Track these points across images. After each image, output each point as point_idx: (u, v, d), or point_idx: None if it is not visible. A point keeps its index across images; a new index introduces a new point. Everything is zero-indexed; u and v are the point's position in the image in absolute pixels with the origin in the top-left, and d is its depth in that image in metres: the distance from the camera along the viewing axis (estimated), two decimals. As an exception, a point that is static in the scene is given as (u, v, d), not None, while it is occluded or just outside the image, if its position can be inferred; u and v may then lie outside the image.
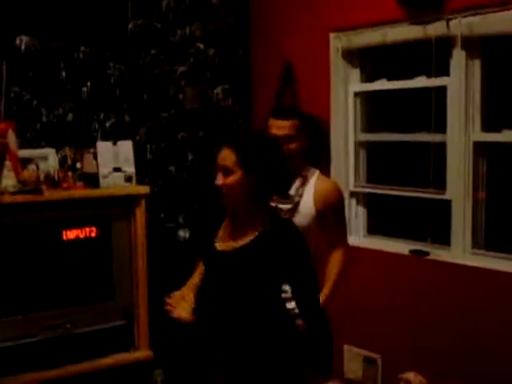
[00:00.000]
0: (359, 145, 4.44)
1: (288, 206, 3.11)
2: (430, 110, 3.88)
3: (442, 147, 3.87)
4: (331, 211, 3.21)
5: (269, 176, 2.59)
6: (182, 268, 4.41)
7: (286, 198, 3.04)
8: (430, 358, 3.89)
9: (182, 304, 2.84)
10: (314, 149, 4.38)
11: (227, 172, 2.57)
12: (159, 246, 4.55)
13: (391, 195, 4.28)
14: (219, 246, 2.71)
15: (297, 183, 3.13)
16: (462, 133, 3.75)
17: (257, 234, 2.59)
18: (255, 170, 2.56)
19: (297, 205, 3.14)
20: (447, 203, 3.87)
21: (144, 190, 4.17)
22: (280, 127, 3.09)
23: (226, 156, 2.58)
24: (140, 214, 4.13)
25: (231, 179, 2.57)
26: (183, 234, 4.76)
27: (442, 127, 3.86)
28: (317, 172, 3.29)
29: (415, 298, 3.98)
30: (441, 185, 3.89)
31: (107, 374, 4.05)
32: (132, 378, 4.20)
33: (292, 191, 3.08)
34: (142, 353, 4.18)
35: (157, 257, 4.44)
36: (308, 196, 3.17)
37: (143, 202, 4.14)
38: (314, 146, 4.21)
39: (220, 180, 2.59)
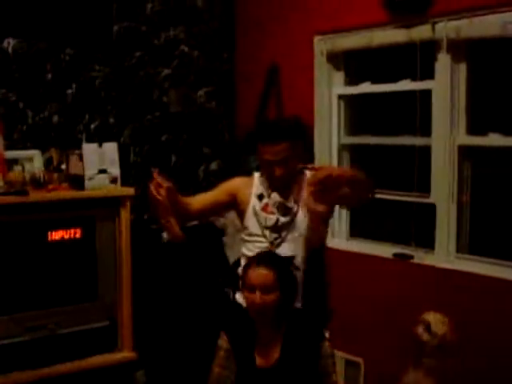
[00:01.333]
0: (343, 148, 4.38)
1: (287, 219, 3.00)
2: (414, 113, 3.82)
3: (426, 150, 3.81)
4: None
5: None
6: (166, 269, 4.40)
7: (287, 210, 2.97)
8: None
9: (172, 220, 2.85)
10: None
11: (266, 290, 2.70)
12: (143, 247, 4.45)
13: (375, 198, 4.20)
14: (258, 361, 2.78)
15: (294, 193, 3.01)
16: (446, 136, 3.69)
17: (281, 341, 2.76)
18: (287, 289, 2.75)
19: (294, 215, 3.01)
20: (431, 207, 3.80)
21: (129, 191, 4.09)
22: (273, 153, 2.89)
23: (266, 276, 2.72)
24: (125, 215, 4.06)
25: (271, 298, 2.72)
26: (167, 235, 4.66)
27: (426, 130, 3.80)
28: (306, 175, 3.13)
29: (399, 301, 3.91)
30: (425, 188, 3.82)
31: (91, 374, 3.95)
32: (115, 379, 4.11)
33: (290, 203, 2.99)
34: (126, 354, 4.10)
35: (141, 258, 4.34)
36: (302, 203, 3.01)
37: (128, 204, 4.07)
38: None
39: (258, 299, 2.71)
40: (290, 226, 2.99)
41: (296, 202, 3.00)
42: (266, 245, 3.00)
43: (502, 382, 3.45)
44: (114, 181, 4.08)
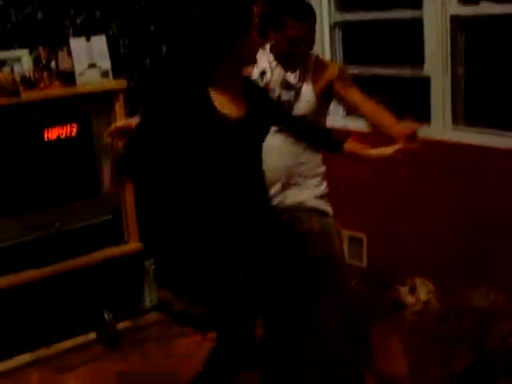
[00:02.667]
0: (334, 25, 4.26)
1: (290, 96, 2.96)
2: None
3: (418, 23, 3.70)
4: (335, 81, 2.99)
5: None
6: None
7: (289, 87, 2.92)
8: (413, 233, 3.85)
9: None
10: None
11: None
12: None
13: (369, 75, 4.12)
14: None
15: (297, 71, 2.95)
16: (438, 6, 3.57)
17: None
18: None
19: (298, 92, 2.96)
20: (426, 81, 3.72)
21: (121, 84, 4.02)
22: (303, 29, 2.83)
23: None
24: (119, 108, 3.99)
25: None
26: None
27: (417, 2, 3.68)
28: (314, 55, 3.08)
29: (397, 176, 3.89)
30: (419, 62, 3.74)
31: (101, 267, 4.03)
32: (125, 270, 4.21)
33: (292, 79, 2.94)
34: (132, 245, 4.14)
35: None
36: (307, 81, 2.98)
37: (121, 97, 3.99)
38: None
39: None
40: (293, 103, 2.95)
41: (301, 79, 2.96)
42: None
43: (492, 246, 3.49)
44: (105, 74, 4.01)
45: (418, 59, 3.74)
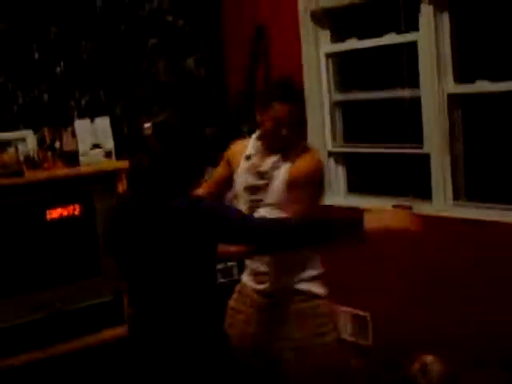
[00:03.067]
0: (334, 105, 4.29)
1: (261, 182, 2.91)
2: (402, 65, 3.74)
3: (416, 102, 3.73)
4: (297, 184, 2.86)
5: None
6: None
7: (261, 174, 2.89)
8: (418, 309, 3.79)
9: None
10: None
11: None
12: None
13: (370, 153, 4.15)
14: None
15: (273, 159, 2.90)
16: (435, 86, 3.61)
17: None
18: None
19: (269, 180, 2.91)
20: (426, 157, 3.73)
21: (124, 164, 3.94)
22: (285, 111, 2.82)
23: None
24: (122, 188, 3.98)
25: None
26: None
27: (415, 82, 3.72)
28: (303, 144, 3.05)
29: (400, 252, 3.86)
30: (418, 139, 3.75)
31: (101, 348, 3.96)
32: (124, 352, 4.08)
33: (265, 167, 2.90)
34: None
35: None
36: (284, 171, 2.90)
37: (124, 177, 3.96)
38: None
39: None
40: (264, 190, 2.91)
41: (280, 163, 2.91)
42: (247, 206, 2.94)
43: (498, 326, 3.41)
44: (108, 155, 4.07)
45: (417, 137, 3.75)
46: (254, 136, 3.03)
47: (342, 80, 4.28)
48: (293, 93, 2.91)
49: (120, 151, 4.19)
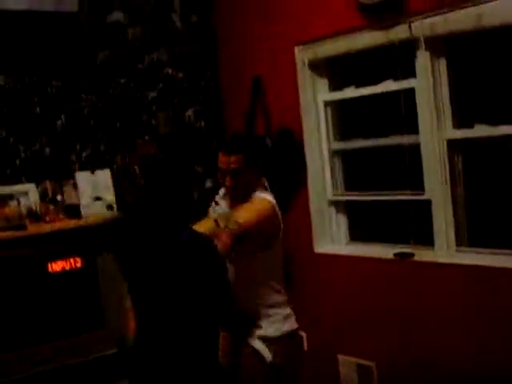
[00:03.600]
0: (334, 153, 4.29)
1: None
2: (400, 112, 3.75)
3: (416, 148, 3.73)
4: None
5: None
6: None
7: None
8: (424, 359, 3.72)
9: None
10: (292, 165, 4.31)
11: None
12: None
13: (370, 201, 4.13)
14: None
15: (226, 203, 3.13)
16: (434, 132, 3.60)
17: None
18: None
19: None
20: (427, 203, 3.71)
21: (125, 216, 4.01)
22: (225, 162, 2.98)
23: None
24: (124, 240, 3.97)
25: None
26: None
27: (414, 128, 3.71)
28: (257, 194, 3.06)
29: (404, 301, 3.81)
30: (419, 186, 3.73)
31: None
32: None
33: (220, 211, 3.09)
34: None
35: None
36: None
37: (126, 229, 3.98)
38: (293, 161, 4.14)
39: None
40: None
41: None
42: None
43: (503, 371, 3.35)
44: (110, 207, 4.06)
45: (417, 183, 3.74)
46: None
47: (340, 128, 4.29)
48: (233, 144, 3.05)
49: (121, 203, 4.18)
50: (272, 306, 3.05)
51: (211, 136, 4.86)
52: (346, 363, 4.16)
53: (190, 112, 4.79)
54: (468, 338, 3.51)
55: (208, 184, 4.84)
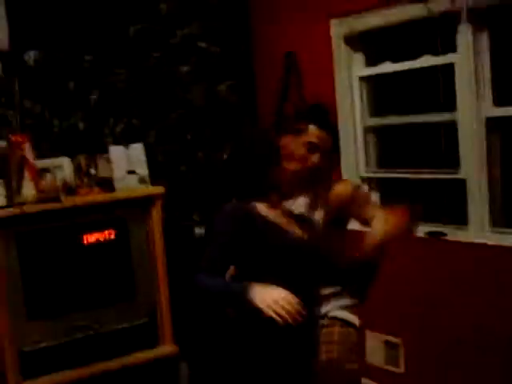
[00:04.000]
0: (368, 129, 4.22)
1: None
2: (438, 88, 3.67)
3: (453, 126, 3.63)
4: (349, 204, 2.74)
5: None
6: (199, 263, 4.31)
7: (300, 219, 2.66)
8: (451, 338, 3.69)
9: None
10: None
11: None
12: (176, 243, 4.38)
13: (404, 179, 4.05)
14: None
15: (304, 199, 2.76)
16: (473, 109, 3.49)
17: None
18: None
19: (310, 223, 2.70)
20: (462, 182, 3.63)
21: (158, 190, 4.05)
22: (321, 138, 2.71)
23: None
24: (156, 213, 4.02)
25: None
26: (199, 230, 4.58)
27: (451, 105, 3.61)
28: (331, 181, 2.88)
29: (435, 279, 3.76)
30: (454, 164, 3.65)
31: (135, 370, 3.96)
32: (159, 373, 4.11)
33: (299, 209, 2.71)
34: (167, 348, 4.10)
35: (175, 254, 4.28)
36: (319, 209, 2.77)
37: (158, 202, 4.02)
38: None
39: None
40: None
41: (313, 207, 2.76)
42: None
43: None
44: (142, 181, 4.06)
45: (453, 161, 3.66)
46: None
47: (375, 104, 4.21)
48: (328, 119, 2.81)
49: (154, 177, 4.19)
50: None
51: (243, 111, 4.82)
52: (374, 339, 4.15)
53: (223, 86, 4.76)
54: (498, 317, 3.46)
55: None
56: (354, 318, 2.91)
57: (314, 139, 2.71)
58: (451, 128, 3.66)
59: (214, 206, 4.38)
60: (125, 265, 3.99)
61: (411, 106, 3.97)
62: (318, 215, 2.76)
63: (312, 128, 2.72)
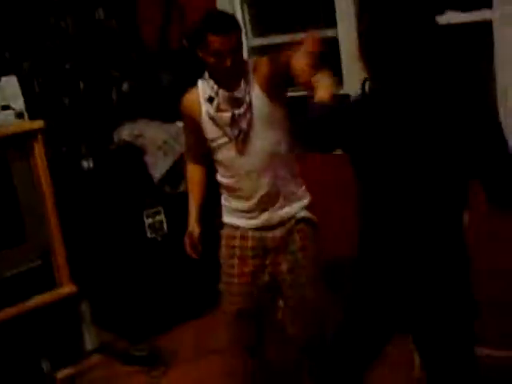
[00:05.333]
0: (253, 50, 4.14)
1: (243, 109, 2.75)
2: (318, 4, 3.59)
3: (334, 43, 3.60)
4: (279, 70, 2.66)
5: None
6: (90, 197, 4.20)
7: (237, 102, 2.74)
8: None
9: None
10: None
11: None
12: (64, 179, 4.18)
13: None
14: None
15: (242, 85, 2.75)
16: (353, 26, 3.43)
17: None
18: None
19: (250, 104, 2.76)
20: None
21: (38, 124, 3.79)
22: (226, 42, 2.65)
23: None
24: (38, 149, 3.78)
25: None
26: (87, 163, 4.38)
27: (332, 22, 3.57)
28: (250, 61, 2.93)
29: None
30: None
31: (36, 314, 3.82)
32: (61, 314, 4.01)
33: (239, 93, 2.74)
34: (66, 289, 3.93)
35: (64, 190, 4.11)
36: (252, 87, 2.77)
37: (40, 137, 3.77)
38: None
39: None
40: (248, 115, 2.76)
41: (246, 90, 2.75)
42: (230, 146, 2.81)
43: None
44: (20, 115, 3.79)
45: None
46: (201, 80, 2.84)
47: (258, 24, 4.14)
48: (226, 21, 2.71)
49: (32, 111, 3.92)
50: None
51: (124, 36, 4.58)
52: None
53: (100, 11, 4.49)
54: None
55: (124, 88, 4.62)
56: (313, 216, 2.97)
57: (222, 46, 2.65)
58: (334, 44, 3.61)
59: (102, 136, 4.37)
60: (10, 206, 3.76)
61: (293, 24, 3.89)
62: (256, 94, 2.77)
63: (211, 37, 2.66)
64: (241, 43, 2.72)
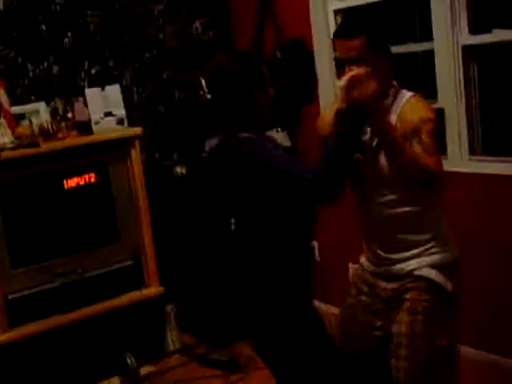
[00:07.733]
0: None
1: (362, 156, 2.38)
2: (413, 18, 3.58)
3: (430, 55, 3.54)
4: (408, 132, 2.24)
5: None
6: (181, 202, 4.26)
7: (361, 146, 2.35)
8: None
9: None
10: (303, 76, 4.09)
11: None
12: (158, 184, 4.31)
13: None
14: None
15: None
16: (449, 38, 3.40)
17: None
18: None
19: (374, 151, 2.34)
20: (440, 112, 3.52)
21: (136, 131, 3.95)
22: (345, 47, 2.25)
23: None
24: (135, 154, 3.92)
25: None
26: (180, 170, 4.50)
27: (428, 35, 3.53)
28: (408, 95, 2.41)
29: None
30: (432, 94, 3.56)
31: (122, 312, 3.93)
32: (146, 315, 4.11)
33: (365, 135, 2.35)
34: (153, 289, 4.04)
35: (157, 194, 4.23)
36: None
37: (137, 143, 3.92)
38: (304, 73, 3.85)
39: None
40: (369, 166, 2.36)
41: (374, 132, 2.31)
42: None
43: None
44: (120, 122, 3.97)
45: (430, 91, 3.58)
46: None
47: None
48: (350, 24, 2.37)
49: (131, 118, 4.09)
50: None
51: (219, 48, 4.69)
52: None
53: (197, 24, 4.60)
54: (476, 249, 3.41)
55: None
56: (445, 281, 2.42)
57: (337, 55, 2.32)
58: (429, 57, 3.57)
59: (195, 145, 4.46)
60: (107, 208, 3.91)
61: (388, 37, 3.85)
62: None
63: (335, 43, 2.33)
64: (369, 53, 2.26)
